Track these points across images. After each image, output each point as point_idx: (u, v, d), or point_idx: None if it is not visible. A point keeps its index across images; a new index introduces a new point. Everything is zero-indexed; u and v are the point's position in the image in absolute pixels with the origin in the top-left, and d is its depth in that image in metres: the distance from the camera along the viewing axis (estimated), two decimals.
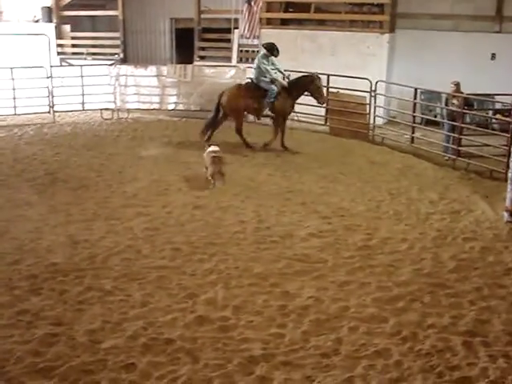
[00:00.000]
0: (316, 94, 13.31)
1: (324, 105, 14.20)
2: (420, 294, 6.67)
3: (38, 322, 5.91)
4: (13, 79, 16.16)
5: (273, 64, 13.40)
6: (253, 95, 13.37)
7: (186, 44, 21.02)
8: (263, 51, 13.55)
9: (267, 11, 18.55)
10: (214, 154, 10.31)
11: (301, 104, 14.21)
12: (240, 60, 19.61)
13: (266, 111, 13.47)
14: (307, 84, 13.28)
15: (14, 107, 16.25)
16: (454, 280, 7.07)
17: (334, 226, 8.78)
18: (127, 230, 8.50)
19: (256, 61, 13.58)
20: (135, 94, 17.80)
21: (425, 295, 6.64)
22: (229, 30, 19.98)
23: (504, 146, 11.76)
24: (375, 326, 5.97)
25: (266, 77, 13.27)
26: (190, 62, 19.63)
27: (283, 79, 13.62)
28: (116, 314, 6.09)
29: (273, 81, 13.27)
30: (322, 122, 15.81)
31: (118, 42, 21.58)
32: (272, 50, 13.38)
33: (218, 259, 7.47)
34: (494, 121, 15.33)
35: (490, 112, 16.14)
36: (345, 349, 5.53)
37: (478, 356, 5.46)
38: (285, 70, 13.72)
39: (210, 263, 7.35)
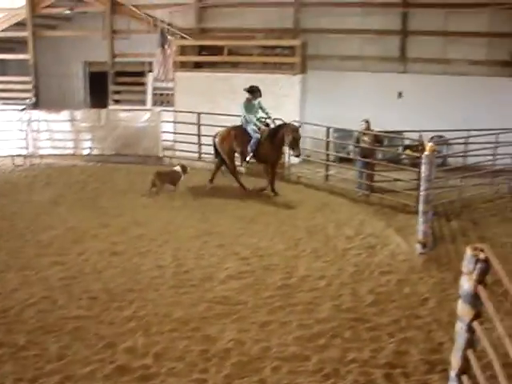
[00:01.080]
0: (291, 145, 13.00)
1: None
2: (340, 329, 6.74)
3: None
4: None
5: (260, 108, 13.56)
6: (241, 139, 13.45)
7: (100, 88, 20.83)
8: (246, 96, 13.56)
9: (181, 54, 18.64)
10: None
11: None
12: (155, 103, 19.61)
13: (250, 157, 13.42)
14: (283, 134, 13.04)
15: None
16: (372, 314, 7.20)
17: (252, 266, 8.78)
18: (42, 280, 8.19)
19: (240, 109, 13.56)
20: (48, 139, 17.41)
21: (345, 330, 6.71)
22: (143, 74, 19.99)
23: (414, 179, 12.19)
24: (298, 364, 5.97)
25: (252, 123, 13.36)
26: (105, 105, 19.46)
27: (271, 122, 13.63)
28: (30, 371, 5.81)
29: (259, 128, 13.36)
30: (238, 163, 15.93)
31: (29, 86, 21.11)
32: (253, 92, 13.46)
33: (137, 306, 7.29)
34: (404, 156, 15.93)
35: (400, 148, 16.78)
36: None
37: None
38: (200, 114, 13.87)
39: (128, 310, 7.17)
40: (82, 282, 8.11)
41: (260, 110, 13.59)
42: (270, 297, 7.63)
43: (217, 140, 13.76)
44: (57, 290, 7.84)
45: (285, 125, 13.27)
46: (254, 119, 13.38)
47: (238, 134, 13.59)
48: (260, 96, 13.57)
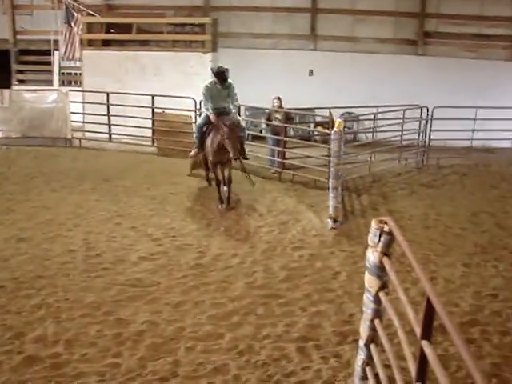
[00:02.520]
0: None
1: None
2: (254, 306, 6.80)
3: None
4: None
5: (228, 95, 11.03)
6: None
7: (2, 67, 19.93)
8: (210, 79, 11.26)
9: (88, 32, 18.12)
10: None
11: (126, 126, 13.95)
12: (62, 83, 18.99)
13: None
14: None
15: None
16: (285, 289, 7.30)
17: (165, 247, 8.71)
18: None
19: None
20: None
21: (258, 307, 6.78)
22: (49, 52, 19.27)
23: (325, 156, 12.40)
24: (212, 343, 5.99)
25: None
26: (8, 86, 18.64)
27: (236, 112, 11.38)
28: None
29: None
30: (150, 143, 15.73)
31: None
32: (218, 74, 10.92)
33: (47, 293, 7.06)
34: (315, 133, 16.19)
35: (311, 125, 17.05)
36: (183, 370, 5.49)
37: (311, 359, 5.68)
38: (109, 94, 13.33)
39: (37, 298, 6.92)
40: None
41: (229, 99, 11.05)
42: (184, 277, 7.60)
43: None
44: None
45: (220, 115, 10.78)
46: (210, 109, 10.85)
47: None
48: (222, 79, 10.96)
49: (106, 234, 9.24)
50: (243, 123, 12.01)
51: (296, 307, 6.80)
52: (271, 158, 13.75)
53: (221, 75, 10.91)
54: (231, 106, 11.03)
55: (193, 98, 14.78)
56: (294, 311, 6.71)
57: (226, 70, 11.17)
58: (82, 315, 6.52)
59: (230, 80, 11.15)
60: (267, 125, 14.10)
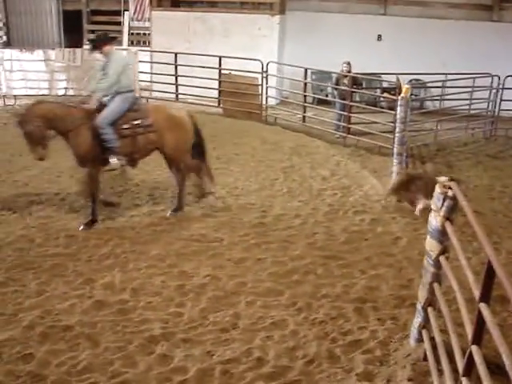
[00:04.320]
0: None
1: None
2: (314, 266, 6.92)
3: None
4: None
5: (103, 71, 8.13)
6: None
7: (75, 27, 20.40)
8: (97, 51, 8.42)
9: None
10: None
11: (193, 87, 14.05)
12: (131, 43, 19.32)
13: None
14: None
15: None
16: (345, 251, 7.39)
17: (229, 205, 8.92)
18: (19, 219, 8.24)
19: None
20: (22, 79, 17.14)
21: (318, 267, 6.89)
22: (119, 12, 19.58)
23: (390, 122, 12.29)
24: (271, 299, 6.15)
25: None
26: (80, 45, 19.10)
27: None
28: (10, 306, 5.92)
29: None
30: (216, 104, 15.88)
31: None
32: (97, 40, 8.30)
33: (114, 244, 7.40)
34: (381, 99, 15.99)
35: (378, 91, 16.82)
36: (242, 323, 5.68)
37: (368, 320, 5.76)
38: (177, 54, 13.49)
39: (106, 248, 7.27)
40: (60, 221, 8.18)
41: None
42: (246, 234, 7.78)
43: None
44: (34, 228, 7.89)
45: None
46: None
47: None
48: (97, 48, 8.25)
49: (169, 190, 9.49)
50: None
51: (355, 269, 6.88)
52: (337, 122, 13.70)
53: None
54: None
55: (260, 61, 14.81)
56: (352, 273, 6.79)
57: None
58: (148, 266, 6.81)
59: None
60: (334, 89, 14.02)
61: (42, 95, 16.91)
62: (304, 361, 5.09)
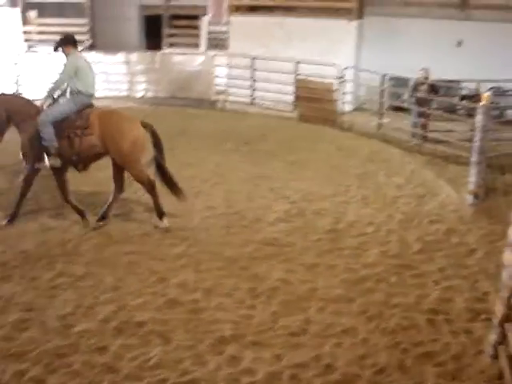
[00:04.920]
0: None
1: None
2: (386, 274, 6.84)
3: (10, 308, 5.96)
4: None
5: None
6: None
7: (155, 31, 20.92)
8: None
9: None
10: None
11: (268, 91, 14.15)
12: (209, 47, 19.60)
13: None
14: None
15: None
16: (419, 261, 7.26)
17: (302, 210, 8.91)
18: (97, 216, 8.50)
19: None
20: (104, 81, 17.68)
21: (391, 276, 6.81)
22: (197, 17, 19.94)
23: (469, 130, 11.96)
24: (342, 305, 6.12)
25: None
26: (159, 49, 19.57)
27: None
28: (88, 299, 6.16)
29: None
30: (291, 109, 15.90)
31: (85, 29, 21.37)
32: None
33: (188, 244, 7.55)
34: (460, 106, 15.60)
35: (457, 98, 16.42)
36: (313, 328, 5.68)
37: (441, 332, 5.65)
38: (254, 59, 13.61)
39: (180, 248, 7.43)
40: (136, 220, 8.43)
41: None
42: (318, 240, 7.77)
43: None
44: (111, 225, 8.15)
45: None
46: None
47: None
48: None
49: (244, 193, 9.61)
50: None
51: (429, 280, 6.76)
52: (413, 129, 13.47)
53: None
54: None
55: (336, 66, 14.74)
56: (426, 283, 6.67)
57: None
58: (220, 267, 6.91)
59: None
60: (411, 96, 13.79)
61: (122, 96, 17.46)
62: (373, 370, 5.05)
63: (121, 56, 17.85)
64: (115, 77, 17.60)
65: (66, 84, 8.19)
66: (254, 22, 17.77)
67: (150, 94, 17.63)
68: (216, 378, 4.92)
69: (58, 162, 8.01)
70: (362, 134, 14.09)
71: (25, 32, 21.52)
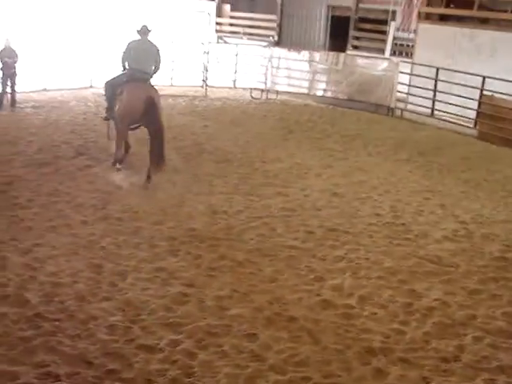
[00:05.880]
0: None
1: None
2: None
3: (173, 281, 6.32)
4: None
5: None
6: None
7: (340, 32, 20.98)
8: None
9: (427, 5, 18.06)
10: None
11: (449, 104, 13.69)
12: (394, 53, 19.31)
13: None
14: None
15: (171, 78, 17.03)
16: None
17: (470, 232, 8.51)
18: (265, 207, 8.77)
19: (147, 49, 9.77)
20: (286, 76, 18.13)
21: None
22: (385, 22, 19.70)
23: None
24: (502, 340, 5.76)
25: None
26: (343, 50, 19.61)
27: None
28: (245, 285, 6.34)
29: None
30: (471, 125, 15.24)
31: (273, 25, 21.98)
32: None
33: (350, 248, 7.52)
34: None
35: None
36: (466, 357, 5.40)
37: None
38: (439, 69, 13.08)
39: (341, 250, 7.43)
40: (301, 216, 8.55)
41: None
42: (484, 266, 7.37)
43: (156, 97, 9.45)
44: (276, 218, 8.36)
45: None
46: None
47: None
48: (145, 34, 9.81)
49: (413, 205, 9.38)
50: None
51: None
52: None
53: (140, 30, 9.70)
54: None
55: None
56: None
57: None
58: (378, 277, 6.80)
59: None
60: None
61: (302, 93, 17.77)
62: None
63: (305, 54, 18.11)
64: (297, 73, 17.89)
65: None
66: (443, 31, 17.24)
67: (329, 94, 17.75)
68: None
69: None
70: None
71: (218, 23, 22.66)
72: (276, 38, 21.84)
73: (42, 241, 7.05)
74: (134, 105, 9.19)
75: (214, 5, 22.60)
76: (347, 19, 20.55)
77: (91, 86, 16.64)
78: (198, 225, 7.87)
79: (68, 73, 16.18)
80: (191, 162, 10.77)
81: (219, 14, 23.00)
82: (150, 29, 9.72)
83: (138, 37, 9.70)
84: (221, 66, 17.80)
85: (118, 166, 9.67)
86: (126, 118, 9.44)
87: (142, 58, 9.57)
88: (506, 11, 17.06)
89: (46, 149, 10.83)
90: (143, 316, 5.60)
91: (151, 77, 9.75)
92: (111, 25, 17.41)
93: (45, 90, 16.04)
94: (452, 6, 18.08)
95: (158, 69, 9.81)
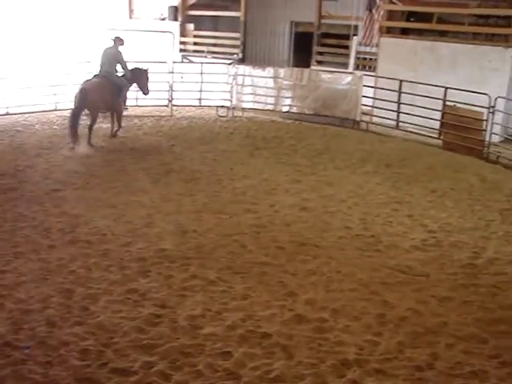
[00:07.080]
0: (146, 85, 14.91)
1: None
2: None
3: (144, 302, 6.27)
4: None
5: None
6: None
7: (304, 48, 21.21)
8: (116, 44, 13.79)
9: (388, 19, 18.38)
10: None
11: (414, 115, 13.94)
12: (357, 67, 19.56)
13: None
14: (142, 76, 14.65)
15: (136, 99, 16.98)
16: None
17: (439, 240, 8.61)
18: (234, 224, 8.76)
19: (109, 53, 13.74)
20: (251, 93, 18.19)
21: None
22: (348, 37, 19.99)
23: None
24: (474, 346, 5.82)
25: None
26: (307, 65, 19.80)
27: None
28: (217, 304, 6.32)
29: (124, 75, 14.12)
30: (436, 136, 15.49)
31: (237, 43, 22.12)
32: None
33: (321, 261, 7.54)
34: None
35: None
36: (440, 364, 5.45)
37: None
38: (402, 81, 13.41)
39: (312, 264, 7.44)
40: (271, 232, 8.55)
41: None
42: (454, 273, 7.46)
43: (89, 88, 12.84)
44: (247, 235, 8.35)
45: (137, 69, 14.64)
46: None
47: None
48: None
49: (382, 217, 9.45)
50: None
51: None
52: None
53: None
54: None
55: (487, 95, 14.17)
56: None
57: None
58: (351, 289, 6.83)
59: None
60: None
61: (267, 110, 17.87)
62: None
63: (269, 70, 18.23)
64: (263, 90, 17.98)
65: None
66: (404, 44, 17.56)
67: (294, 110, 17.85)
68: None
69: None
70: (510, 167, 13.40)
71: (182, 42, 22.78)
72: (240, 55, 21.95)
73: (9, 267, 6.95)
74: (76, 93, 12.74)
75: (177, 24, 22.75)
76: (310, 35, 20.77)
77: (56, 109, 16.46)
78: (168, 245, 7.83)
79: (31, 96, 16.00)
80: (159, 182, 10.75)
81: (183, 33, 23.12)
82: (121, 38, 13.67)
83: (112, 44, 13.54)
84: (186, 84, 17.79)
85: (71, 145, 12.59)
86: (74, 103, 12.75)
87: (105, 61, 13.50)
88: (463, 24, 17.45)
89: (10, 174, 10.73)
90: (116, 339, 5.54)
91: (113, 73, 13.71)
92: (75, 46, 17.40)
93: (7, 113, 15.86)
94: (412, 19, 18.43)
95: (124, 66, 13.88)
